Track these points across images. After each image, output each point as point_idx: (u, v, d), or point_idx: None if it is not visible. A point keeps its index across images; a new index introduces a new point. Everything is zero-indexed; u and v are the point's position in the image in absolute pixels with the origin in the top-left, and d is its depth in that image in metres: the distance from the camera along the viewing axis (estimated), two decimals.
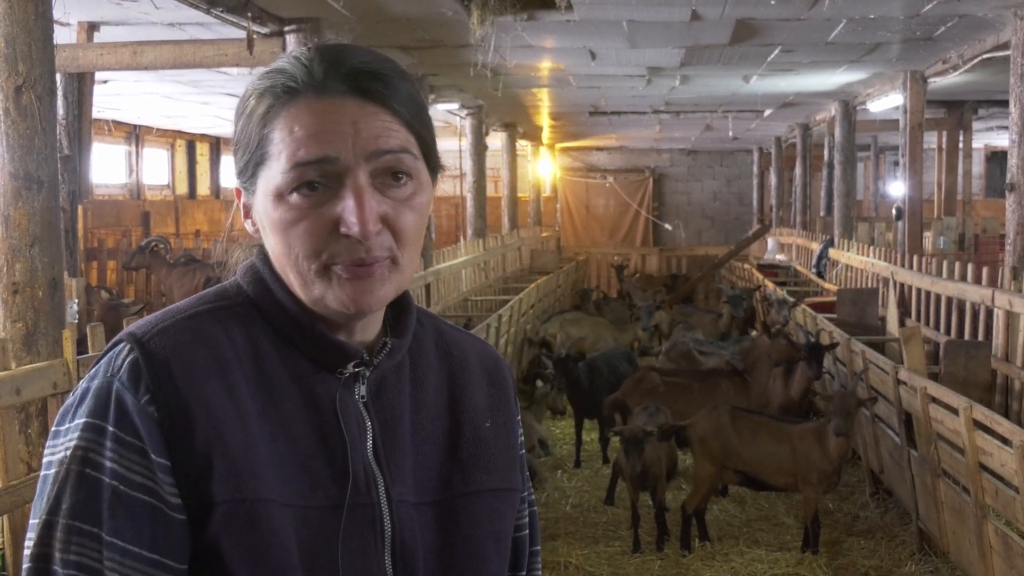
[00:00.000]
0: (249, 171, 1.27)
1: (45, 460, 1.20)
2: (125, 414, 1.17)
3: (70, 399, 1.22)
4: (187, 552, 1.18)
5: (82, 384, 1.22)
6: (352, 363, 1.29)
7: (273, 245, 1.26)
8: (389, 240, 1.24)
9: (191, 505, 1.17)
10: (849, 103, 14.91)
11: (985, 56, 9.91)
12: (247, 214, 1.31)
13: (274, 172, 1.23)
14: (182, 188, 20.66)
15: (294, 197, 1.22)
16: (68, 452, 1.17)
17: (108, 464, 1.15)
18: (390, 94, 1.24)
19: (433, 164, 1.32)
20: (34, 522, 1.17)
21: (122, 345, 1.22)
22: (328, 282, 1.23)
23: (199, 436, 1.17)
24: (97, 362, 1.23)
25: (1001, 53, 9.28)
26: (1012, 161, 8.29)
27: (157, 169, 19.95)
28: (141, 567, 1.15)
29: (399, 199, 1.25)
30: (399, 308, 1.36)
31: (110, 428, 1.16)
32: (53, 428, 1.21)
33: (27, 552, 1.16)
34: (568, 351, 9.54)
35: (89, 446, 1.16)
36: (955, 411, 5.45)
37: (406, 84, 1.28)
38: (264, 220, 1.26)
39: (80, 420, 1.18)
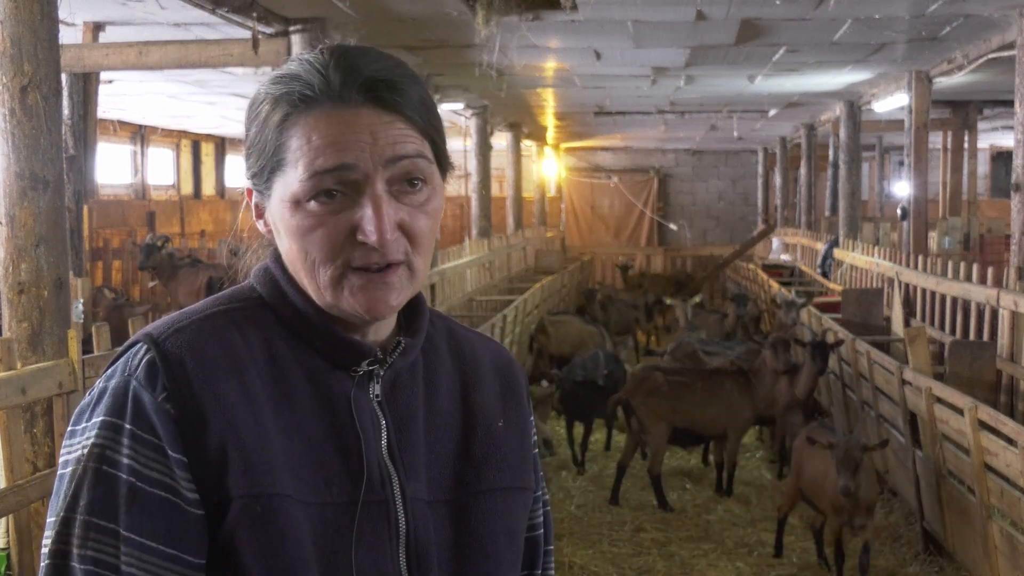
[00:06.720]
0: (264, 176, 1.29)
1: (62, 459, 1.22)
2: (142, 412, 1.19)
3: (86, 399, 1.24)
4: (204, 547, 1.20)
5: (99, 384, 1.24)
6: (366, 361, 1.30)
7: (288, 249, 1.28)
8: (405, 245, 1.26)
9: (208, 500, 1.20)
10: (854, 103, 14.88)
11: (990, 56, 9.89)
12: (260, 214, 1.33)
13: (291, 179, 1.24)
14: (187, 188, 20.67)
15: (312, 204, 1.24)
16: (85, 450, 1.19)
17: (125, 461, 1.18)
18: (404, 102, 1.26)
19: (444, 164, 1.34)
20: (51, 520, 1.19)
21: (139, 346, 1.24)
22: (342, 288, 1.25)
23: (214, 432, 1.19)
24: (113, 363, 1.26)
25: (1006, 53, 9.26)
26: (1017, 161, 8.27)
27: (162, 169, 19.95)
28: (158, 562, 1.17)
29: (415, 205, 1.27)
30: (412, 309, 1.38)
31: (127, 426, 1.19)
32: (69, 428, 1.24)
33: (45, 550, 1.19)
34: (575, 374, 9.39)
35: (106, 444, 1.19)
36: (960, 411, 5.45)
37: (418, 88, 1.29)
38: (280, 225, 1.28)
39: (97, 419, 1.20)
